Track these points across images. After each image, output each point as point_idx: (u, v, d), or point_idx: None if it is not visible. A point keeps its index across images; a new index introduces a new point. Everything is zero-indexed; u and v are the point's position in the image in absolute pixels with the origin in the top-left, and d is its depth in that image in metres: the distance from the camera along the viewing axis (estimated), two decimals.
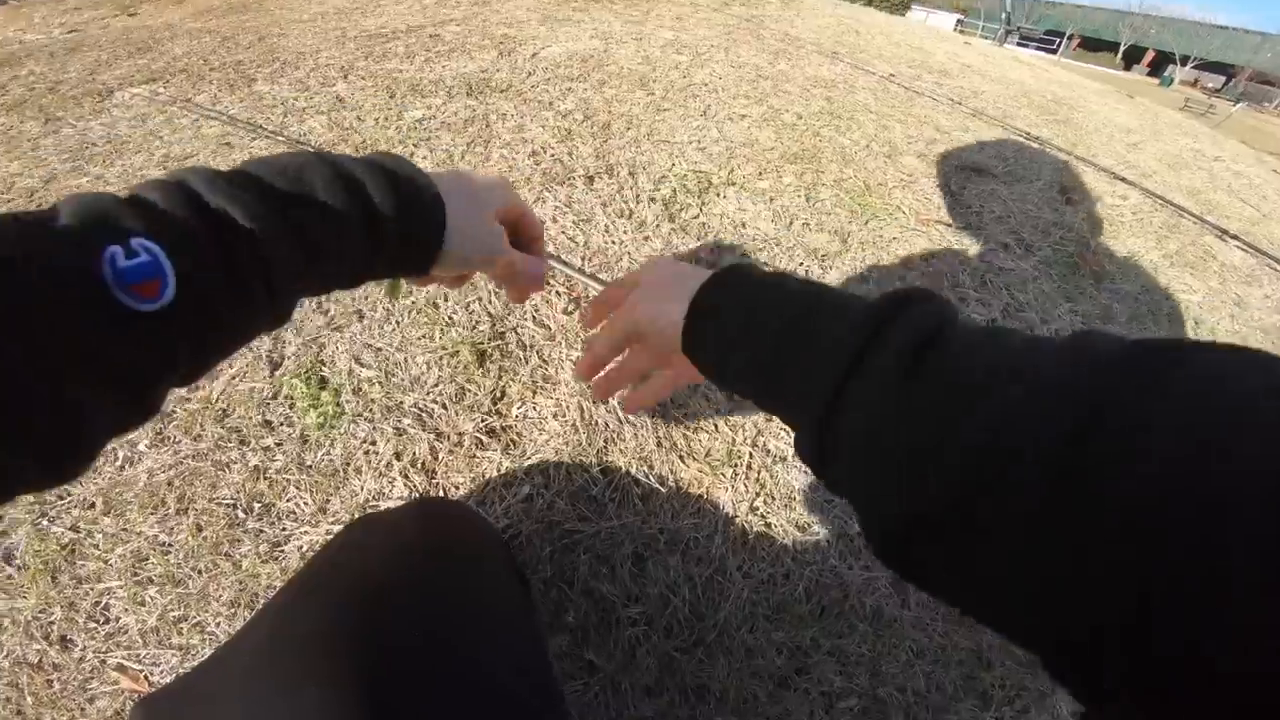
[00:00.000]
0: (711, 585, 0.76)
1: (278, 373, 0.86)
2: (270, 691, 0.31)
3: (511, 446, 0.82)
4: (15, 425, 0.20)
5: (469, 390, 0.86)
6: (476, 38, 1.95)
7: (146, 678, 0.66)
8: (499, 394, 0.86)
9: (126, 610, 0.68)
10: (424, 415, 0.83)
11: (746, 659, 0.74)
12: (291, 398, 0.83)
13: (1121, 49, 45.80)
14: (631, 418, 0.87)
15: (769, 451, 0.86)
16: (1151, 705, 0.18)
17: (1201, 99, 22.17)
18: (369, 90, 1.56)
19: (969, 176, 1.58)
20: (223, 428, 0.80)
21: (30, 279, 0.20)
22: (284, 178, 0.30)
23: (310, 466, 0.77)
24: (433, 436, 0.81)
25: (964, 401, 0.25)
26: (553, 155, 1.29)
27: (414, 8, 2.39)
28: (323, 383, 0.85)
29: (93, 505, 0.74)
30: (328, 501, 0.75)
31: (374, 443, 0.79)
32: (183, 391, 0.85)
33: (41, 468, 0.22)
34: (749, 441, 0.87)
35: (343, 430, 0.80)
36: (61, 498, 0.75)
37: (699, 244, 1.10)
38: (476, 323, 0.94)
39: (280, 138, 1.32)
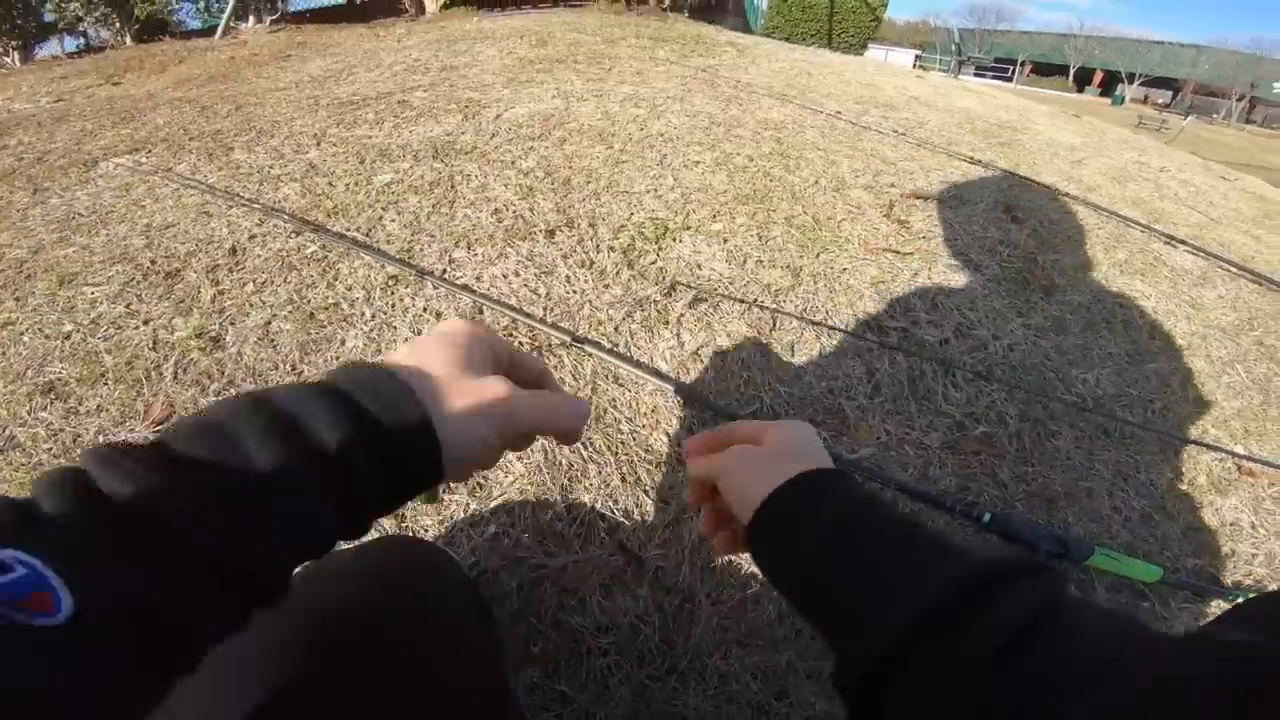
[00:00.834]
0: (681, 613, 0.77)
1: None
2: (220, 701, 0.33)
3: (478, 489, 0.85)
4: None
5: None
6: (443, 102, 2.05)
7: None
8: None
9: None
10: None
11: (721, 685, 0.75)
12: None
13: (1071, 71, 47.86)
14: (594, 456, 0.91)
15: None
16: None
17: (1154, 115, 23.08)
18: (340, 156, 1.63)
19: (915, 204, 1.66)
20: None
21: None
22: (204, 440, 0.25)
23: None
24: None
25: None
26: (514, 212, 1.36)
27: (384, 75, 2.51)
28: None
29: None
30: None
31: None
32: None
33: None
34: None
35: None
36: None
37: (656, 287, 1.15)
38: None
39: (256, 205, 1.38)
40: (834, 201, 1.58)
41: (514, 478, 0.86)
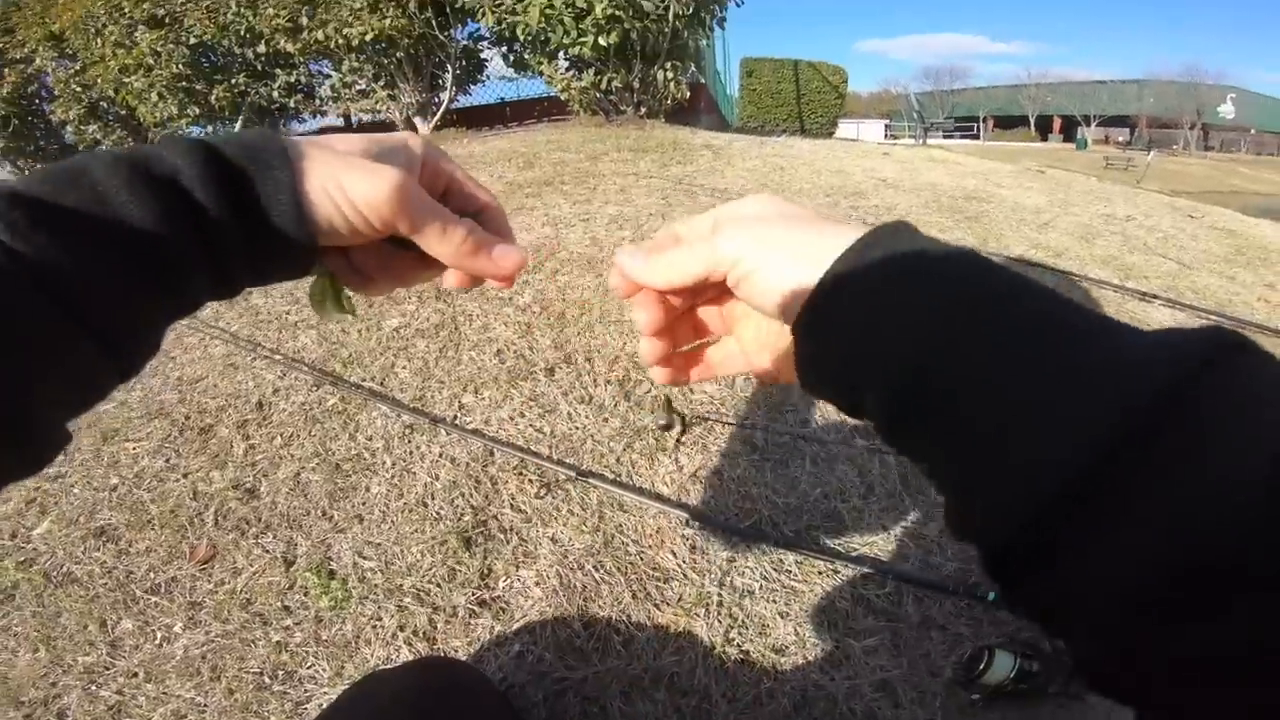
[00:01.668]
0: (699, 713, 0.82)
1: (292, 569, 1.02)
2: None
3: (501, 613, 0.93)
4: None
5: (459, 570, 0.99)
6: None
7: None
8: (486, 571, 0.99)
9: None
10: (421, 594, 0.97)
11: None
12: (305, 587, 0.98)
13: (1032, 120, 50.22)
14: (606, 577, 0.96)
15: (736, 588, 0.96)
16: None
17: (1120, 155, 23.98)
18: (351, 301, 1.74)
19: None
20: (247, 612, 0.96)
21: None
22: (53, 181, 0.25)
23: (325, 640, 0.92)
24: (430, 610, 0.94)
25: None
26: (515, 351, 1.45)
27: None
28: (331, 574, 1.00)
29: (135, 674, 0.90)
30: (343, 667, 0.89)
31: (380, 618, 0.94)
32: (209, 585, 1.00)
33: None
34: (716, 582, 0.96)
35: (352, 610, 0.95)
36: (108, 668, 0.91)
37: (652, 416, 1.22)
38: (460, 515, 1.07)
39: (278, 357, 1.48)
40: None
41: (533, 601, 0.95)
